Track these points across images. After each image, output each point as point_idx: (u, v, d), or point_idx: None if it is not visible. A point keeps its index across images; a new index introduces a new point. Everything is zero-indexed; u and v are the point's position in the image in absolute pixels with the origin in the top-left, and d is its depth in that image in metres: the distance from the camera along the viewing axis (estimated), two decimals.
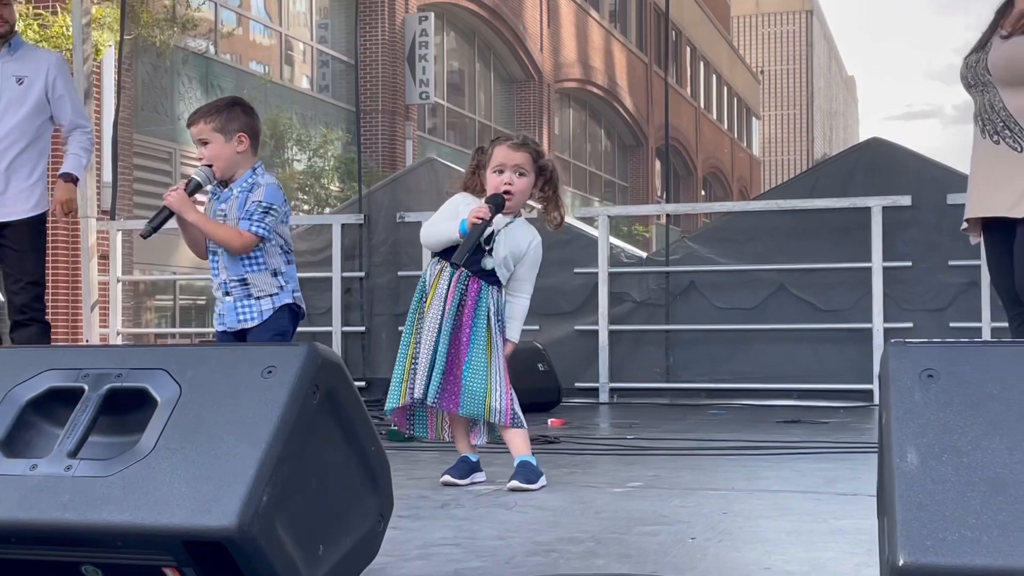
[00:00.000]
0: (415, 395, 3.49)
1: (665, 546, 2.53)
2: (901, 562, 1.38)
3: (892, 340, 1.55)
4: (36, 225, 5.03)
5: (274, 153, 16.46)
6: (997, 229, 3.84)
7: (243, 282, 3.66)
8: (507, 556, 2.40)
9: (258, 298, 3.65)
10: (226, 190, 3.69)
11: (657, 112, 29.72)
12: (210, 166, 3.65)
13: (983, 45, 3.89)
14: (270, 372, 1.77)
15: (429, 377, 3.46)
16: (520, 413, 3.54)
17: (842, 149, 9.17)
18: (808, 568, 2.34)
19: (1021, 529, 1.38)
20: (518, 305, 3.63)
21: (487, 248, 3.53)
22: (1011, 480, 1.43)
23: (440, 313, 3.50)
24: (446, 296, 3.51)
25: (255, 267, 3.66)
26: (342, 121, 18.26)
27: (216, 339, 3.82)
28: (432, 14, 19.65)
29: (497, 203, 3.49)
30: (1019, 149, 3.73)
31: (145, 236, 3.68)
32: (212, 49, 16.29)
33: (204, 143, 3.66)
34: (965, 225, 3.97)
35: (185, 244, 3.81)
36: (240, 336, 3.69)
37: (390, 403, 3.56)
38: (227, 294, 3.67)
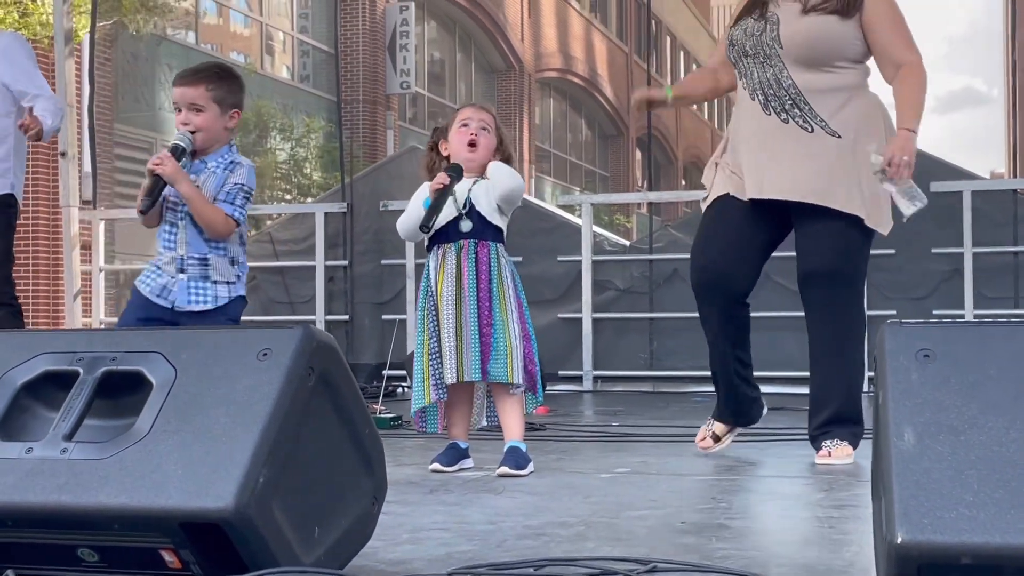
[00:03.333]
0: (450, 380, 3.44)
1: (655, 530, 2.53)
2: (899, 540, 1.39)
3: (888, 320, 1.56)
4: None
5: (257, 142, 16.40)
6: (761, 207, 3.68)
7: (203, 262, 3.47)
8: (498, 540, 2.40)
9: (215, 282, 3.48)
10: (198, 162, 3.50)
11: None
12: (193, 133, 3.46)
13: (761, 10, 3.72)
14: (265, 355, 1.77)
15: (459, 357, 3.43)
16: (538, 381, 3.55)
17: None
18: (798, 551, 2.35)
19: (1017, 507, 1.40)
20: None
21: (463, 212, 3.51)
22: (1007, 459, 1.44)
23: (455, 290, 3.47)
24: (458, 272, 3.48)
25: (218, 250, 3.49)
26: (323, 110, 18.20)
27: (133, 302, 3.54)
28: (413, 4, 19.59)
29: (456, 171, 3.49)
30: (810, 129, 3.62)
31: (145, 211, 3.45)
32: (193, 38, 16.20)
33: (198, 109, 3.45)
34: (712, 197, 3.79)
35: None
36: (175, 319, 3.46)
37: (416, 404, 3.53)
38: (181, 271, 3.46)
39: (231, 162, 3.52)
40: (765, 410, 4.09)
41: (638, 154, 31.25)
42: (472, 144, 3.54)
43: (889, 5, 3.68)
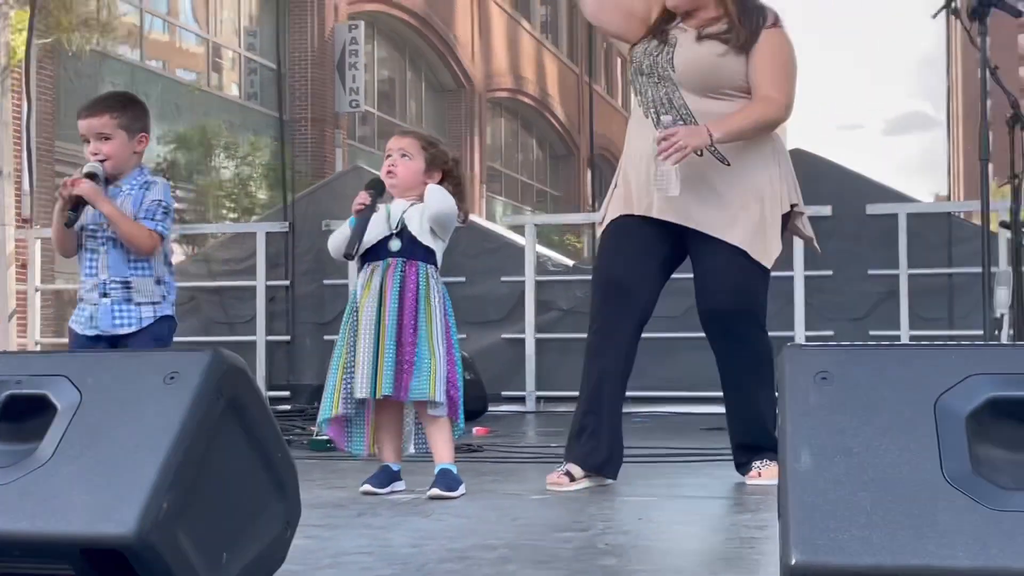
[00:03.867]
0: (360, 395, 3.43)
1: (579, 552, 2.54)
2: (793, 561, 1.40)
3: (788, 344, 1.58)
4: None
5: (201, 160, 16.28)
6: (655, 228, 3.62)
7: (126, 285, 3.52)
8: (419, 563, 2.40)
9: (139, 304, 3.52)
10: (112, 188, 3.56)
11: (588, 122, 29.86)
12: (102, 161, 3.52)
13: (665, 31, 3.66)
14: (173, 378, 1.75)
15: (375, 372, 3.42)
16: (460, 408, 3.53)
17: None
18: (715, 571, 2.36)
19: (909, 528, 1.42)
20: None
21: (395, 231, 3.53)
22: (901, 481, 1.46)
23: (377, 307, 3.46)
24: (382, 289, 3.48)
25: (141, 271, 3.54)
26: (270, 129, 18.09)
27: (72, 343, 3.62)
28: (363, 23, 19.58)
29: (376, 187, 3.53)
30: (699, 153, 3.53)
31: (70, 224, 3.48)
32: (138, 55, 16.08)
33: (105, 138, 3.52)
34: (608, 220, 3.72)
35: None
36: (111, 343, 3.52)
37: (323, 414, 3.52)
38: (104, 295, 3.51)
39: (145, 182, 3.60)
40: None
41: (589, 174, 31.40)
42: (390, 173, 3.59)
43: (778, 47, 3.61)
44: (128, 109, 3.58)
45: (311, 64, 18.45)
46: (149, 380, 1.76)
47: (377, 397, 3.44)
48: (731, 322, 3.64)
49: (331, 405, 3.49)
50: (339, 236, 3.58)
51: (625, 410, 7.44)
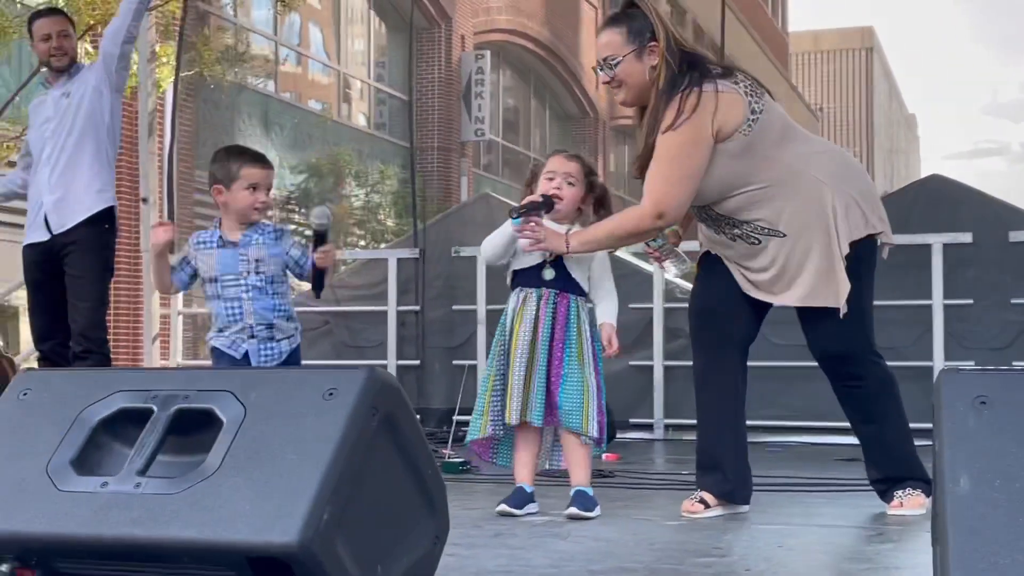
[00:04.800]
0: (512, 422, 3.52)
1: None
2: None
3: (944, 368, 1.57)
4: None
5: (333, 189, 16.66)
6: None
7: (269, 327, 3.80)
8: None
9: (279, 340, 3.82)
10: (242, 236, 3.81)
11: None
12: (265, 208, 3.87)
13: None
14: (331, 394, 1.82)
15: (525, 399, 3.50)
16: (604, 432, 3.59)
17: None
18: None
19: None
20: (610, 303, 3.64)
21: (548, 260, 3.58)
22: None
23: (531, 335, 3.54)
24: (536, 317, 3.55)
25: (281, 314, 3.83)
26: (398, 157, 18.45)
27: (217, 362, 3.84)
28: (488, 52, 19.84)
29: (547, 201, 3.55)
30: (757, 242, 3.50)
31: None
32: (272, 87, 16.56)
33: (268, 189, 3.84)
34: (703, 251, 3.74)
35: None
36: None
37: (471, 435, 3.63)
38: (252, 337, 3.79)
39: (278, 230, 3.90)
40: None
41: None
42: (556, 197, 3.59)
43: (661, 151, 3.43)
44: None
45: (438, 93, 18.75)
46: (309, 396, 1.83)
47: (525, 421, 3.52)
48: (842, 362, 3.61)
49: (479, 427, 3.59)
50: (495, 236, 3.62)
51: (757, 439, 7.36)
